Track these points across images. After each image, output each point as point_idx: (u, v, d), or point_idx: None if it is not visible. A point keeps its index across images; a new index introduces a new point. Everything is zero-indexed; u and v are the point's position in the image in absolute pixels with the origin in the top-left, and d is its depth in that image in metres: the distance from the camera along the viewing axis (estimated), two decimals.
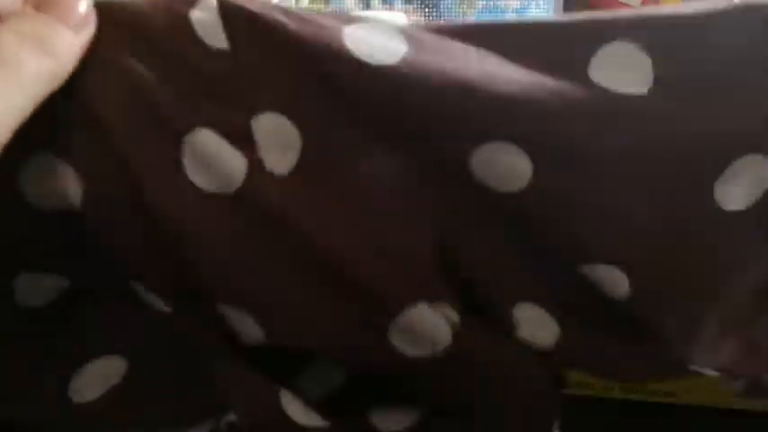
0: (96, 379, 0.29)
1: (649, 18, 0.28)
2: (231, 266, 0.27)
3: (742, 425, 0.44)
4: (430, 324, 0.28)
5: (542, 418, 0.31)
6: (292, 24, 0.27)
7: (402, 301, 0.28)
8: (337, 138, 0.28)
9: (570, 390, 0.46)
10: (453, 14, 0.78)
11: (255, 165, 0.27)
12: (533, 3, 0.76)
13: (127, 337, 0.29)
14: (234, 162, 0.27)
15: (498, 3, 0.77)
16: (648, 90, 0.27)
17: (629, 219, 0.28)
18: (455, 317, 0.29)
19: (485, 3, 0.78)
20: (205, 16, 0.27)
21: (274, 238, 0.27)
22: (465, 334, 0.28)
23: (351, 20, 0.28)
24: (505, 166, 0.27)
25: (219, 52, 0.27)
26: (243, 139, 0.27)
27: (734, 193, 0.28)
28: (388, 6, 0.78)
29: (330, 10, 0.77)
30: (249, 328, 0.28)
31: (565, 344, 0.30)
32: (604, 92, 0.27)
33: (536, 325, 0.30)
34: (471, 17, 0.78)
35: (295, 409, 0.28)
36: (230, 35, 0.27)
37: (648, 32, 0.27)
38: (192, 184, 0.26)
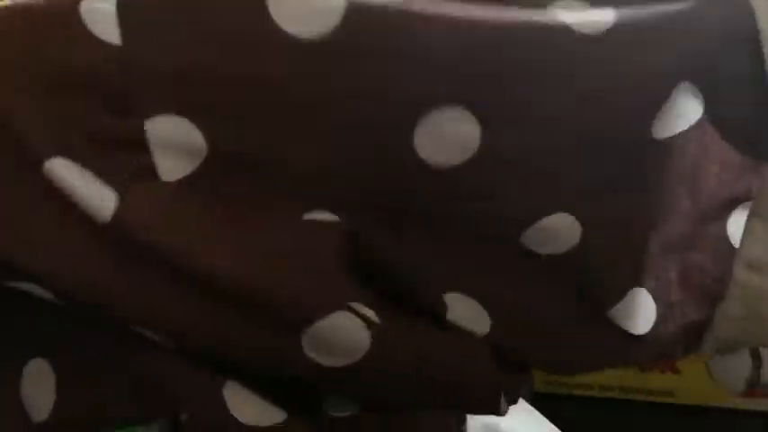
0: (39, 384, 0.28)
1: None
2: (119, 300, 0.25)
3: (742, 425, 0.44)
4: (345, 332, 0.27)
5: (484, 396, 0.30)
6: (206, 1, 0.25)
7: (313, 312, 0.26)
8: (250, 140, 0.26)
9: (571, 390, 0.47)
10: None
11: (133, 190, 0.25)
12: None
13: (42, 338, 0.28)
14: (101, 194, 0.25)
15: None
16: (607, 29, 0.26)
17: (578, 166, 0.28)
18: (373, 315, 0.28)
19: None
20: (98, 5, 0.25)
21: (154, 267, 0.25)
22: (385, 336, 0.27)
23: None
24: (452, 135, 0.26)
25: (110, 46, 0.25)
26: (133, 144, 0.25)
27: (669, 123, 0.28)
28: None
29: None
30: (163, 339, 0.27)
31: (498, 332, 0.29)
32: (566, 30, 0.26)
33: (467, 313, 0.29)
34: None
35: (241, 403, 0.28)
36: (124, 24, 0.25)
37: None
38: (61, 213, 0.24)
